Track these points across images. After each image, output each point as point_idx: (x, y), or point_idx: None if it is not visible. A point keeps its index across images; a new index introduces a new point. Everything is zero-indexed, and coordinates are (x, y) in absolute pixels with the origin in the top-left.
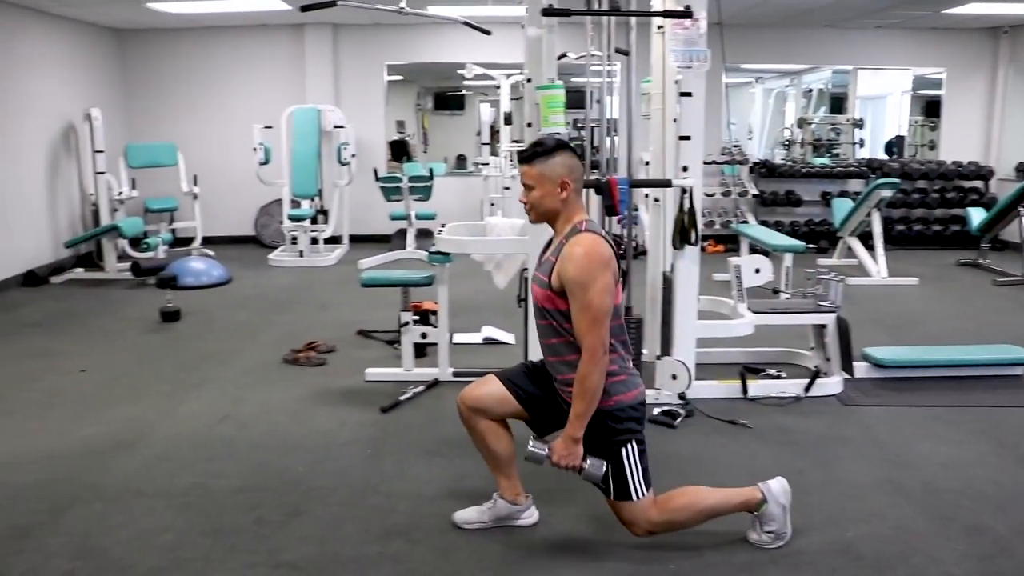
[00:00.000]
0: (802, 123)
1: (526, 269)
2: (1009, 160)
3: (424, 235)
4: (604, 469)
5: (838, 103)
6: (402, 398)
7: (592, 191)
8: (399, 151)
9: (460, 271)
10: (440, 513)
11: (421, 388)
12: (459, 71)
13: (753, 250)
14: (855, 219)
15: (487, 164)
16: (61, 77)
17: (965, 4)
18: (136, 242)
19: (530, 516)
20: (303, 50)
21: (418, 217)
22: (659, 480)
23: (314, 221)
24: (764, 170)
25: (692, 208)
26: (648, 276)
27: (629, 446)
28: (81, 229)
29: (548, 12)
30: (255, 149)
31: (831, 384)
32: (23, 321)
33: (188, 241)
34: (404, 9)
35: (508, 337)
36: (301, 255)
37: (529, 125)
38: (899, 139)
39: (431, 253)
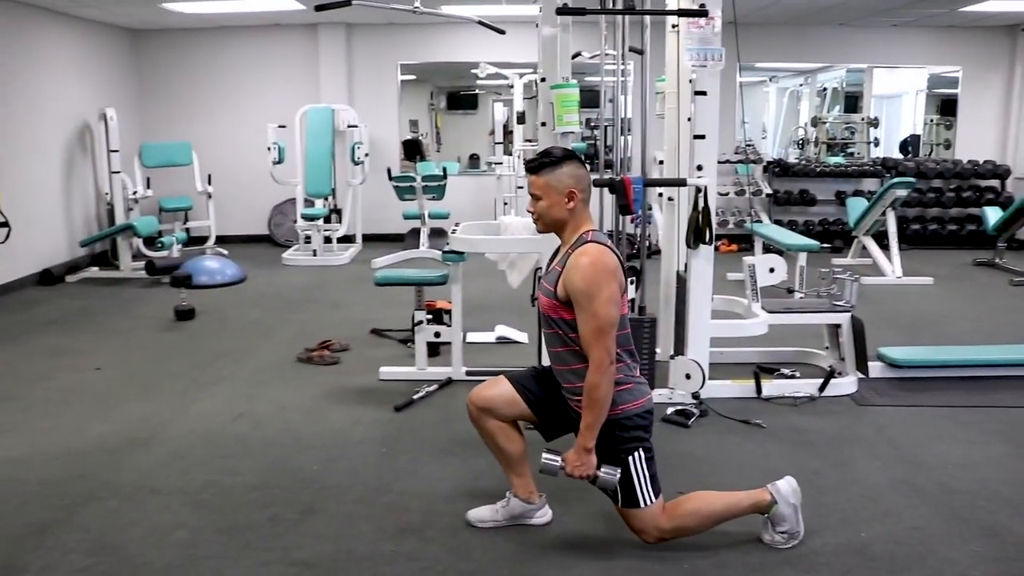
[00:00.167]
0: (816, 122)
1: (540, 268)
2: None
3: (437, 234)
4: (618, 477)
5: (852, 102)
6: (416, 397)
7: (606, 190)
8: (412, 150)
9: (474, 270)
10: (454, 512)
11: (434, 387)
12: (472, 70)
13: (767, 249)
14: (870, 218)
15: (500, 163)
16: (76, 77)
17: (982, 2)
18: (151, 241)
19: (544, 515)
20: (317, 50)
21: (431, 216)
22: (672, 479)
23: (327, 220)
24: (778, 169)
25: (707, 207)
26: (662, 275)
27: (636, 454)
28: (96, 228)
29: (563, 11)
30: (269, 148)
31: (845, 384)
32: (39, 319)
33: (202, 240)
34: (418, 8)
35: (521, 336)
36: (315, 254)
37: (543, 124)
38: (914, 138)
39: (445, 252)
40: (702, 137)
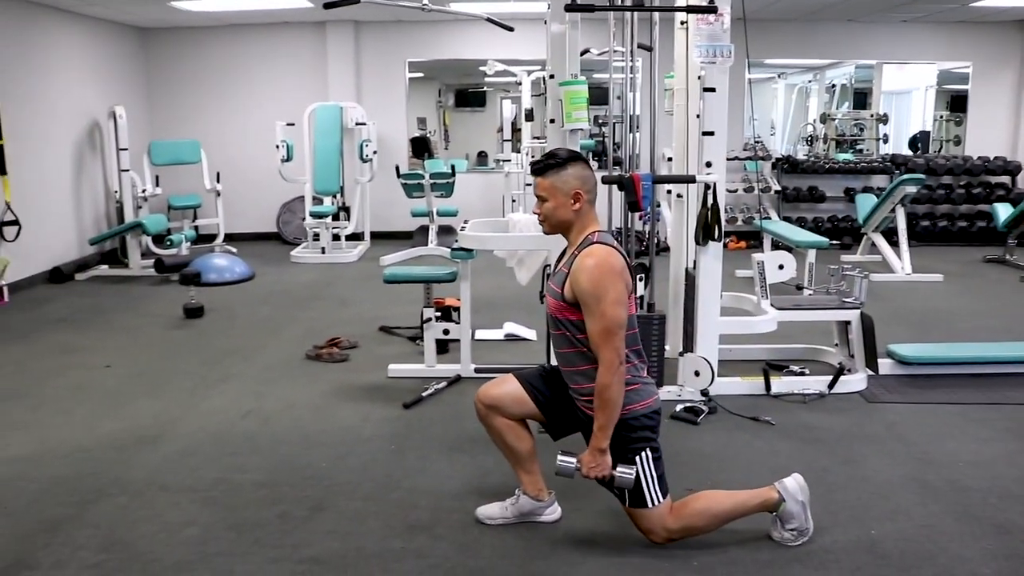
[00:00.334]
0: (825, 118)
1: (548, 265)
2: None
3: (445, 232)
4: (634, 476)
5: (861, 98)
6: (424, 394)
7: (615, 187)
8: (420, 148)
9: (482, 267)
10: (463, 509)
11: (443, 384)
12: (480, 68)
13: (776, 246)
14: (879, 215)
15: (508, 161)
16: (86, 75)
17: None
18: (160, 239)
19: (553, 512)
20: (325, 47)
21: (440, 214)
22: (681, 476)
23: (336, 218)
24: (787, 166)
25: (716, 204)
26: (671, 272)
27: (644, 454)
28: (106, 226)
29: (571, 8)
30: (278, 146)
31: (855, 381)
32: (49, 317)
33: (211, 238)
34: (427, 6)
35: (530, 333)
36: (323, 252)
37: (552, 121)
38: (924, 134)
39: (454, 249)
40: (711, 134)
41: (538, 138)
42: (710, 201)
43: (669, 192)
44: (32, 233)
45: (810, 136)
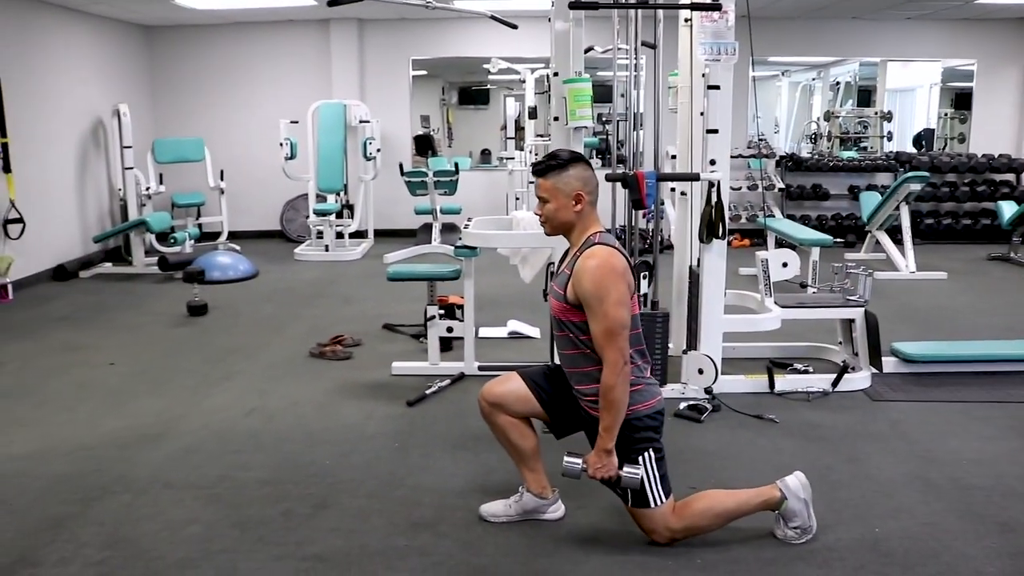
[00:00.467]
0: (829, 116)
1: (552, 263)
2: None
3: (449, 229)
4: (640, 476)
5: (866, 96)
6: (428, 392)
7: (619, 185)
8: (424, 146)
9: (486, 265)
10: (466, 506)
11: (447, 382)
12: (484, 65)
13: (780, 244)
14: (883, 213)
15: (512, 159)
16: (90, 73)
17: None
18: (163, 237)
19: (556, 510)
20: (329, 45)
21: (443, 211)
22: (685, 474)
23: (339, 215)
24: (791, 164)
25: (720, 202)
26: (675, 270)
27: (647, 454)
28: (109, 224)
29: (575, 5)
30: (281, 144)
31: (859, 379)
32: (52, 315)
33: (215, 236)
34: (431, 3)
35: (534, 331)
36: (326, 249)
37: (556, 119)
38: (928, 132)
39: (458, 247)
40: (715, 131)
41: (541, 136)
42: (714, 199)
43: (673, 190)
44: (36, 231)
45: (814, 134)
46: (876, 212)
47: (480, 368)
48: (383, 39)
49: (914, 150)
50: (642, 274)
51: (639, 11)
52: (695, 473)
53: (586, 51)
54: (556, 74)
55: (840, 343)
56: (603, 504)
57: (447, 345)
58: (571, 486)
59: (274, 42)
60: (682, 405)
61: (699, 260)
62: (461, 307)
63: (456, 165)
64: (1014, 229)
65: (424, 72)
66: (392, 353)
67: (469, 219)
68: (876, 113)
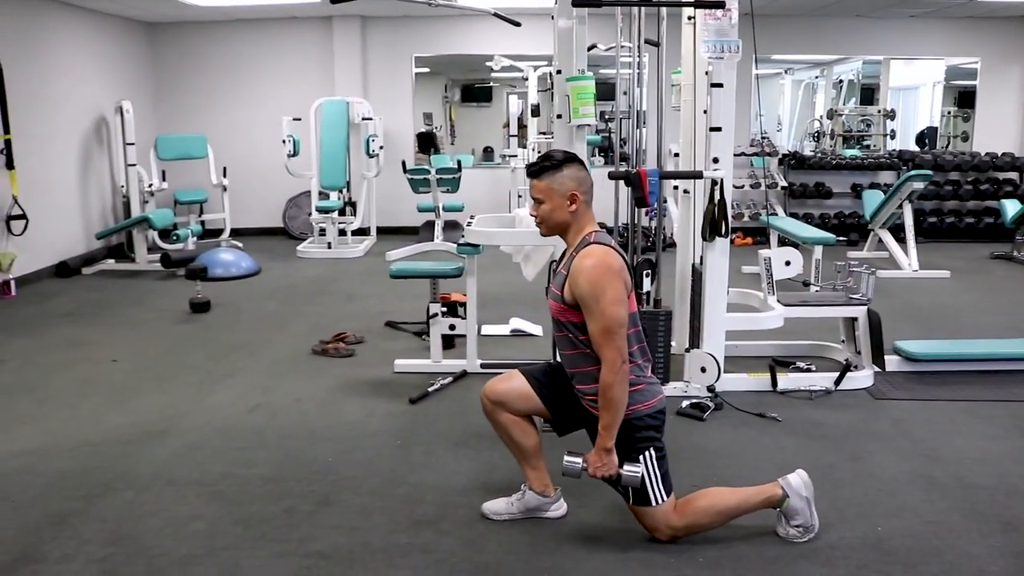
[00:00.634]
0: (832, 114)
1: (555, 261)
2: None
3: (451, 227)
4: (641, 474)
5: (868, 94)
6: (430, 389)
7: (622, 183)
8: (426, 143)
9: (489, 263)
10: (469, 504)
11: (449, 379)
12: (487, 63)
13: (783, 242)
14: (886, 211)
15: (515, 156)
16: (93, 70)
17: None
18: (166, 234)
19: (559, 508)
20: (332, 42)
21: (446, 209)
22: (687, 473)
23: (342, 213)
24: (794, 162)
25: (723, 200)
26: (677, 268)
27: (648, 453)
28: (112, 221)
29: (579, 3)
30: (284, 141)
31: (862, 377)
32: (55, 311)
33: (217, 233)
34: (434, 1)
35: (536, 329)
36: (329, 247)
37: (559, 117)
38: (931, 130)
39: (460, 245)
40: (718, 129)
41: (544, 134)
42: (717, 197)
43: (676, 188)
44: (39, 227)
45: (817, 132)
46: (879, 210)
47: (482, 366)
48: (386, 36)
49: (917, 148)
50: (645, 272)
51: (642, 9)
52: (698, 471)
53: (589, 48)
54: (559, 72)
55: (843, 341)
56: (605, 502)
57: (449, 343)
58: (573, 484)
59: (277, 39)
60: (685, 403)
61: (702, 258)
62: (463, 305)
63: (459, 163)
64: (1017, 228)
65: (427, 69)
66: (394, 351)
67: (472, 216)
68: (879, 111)
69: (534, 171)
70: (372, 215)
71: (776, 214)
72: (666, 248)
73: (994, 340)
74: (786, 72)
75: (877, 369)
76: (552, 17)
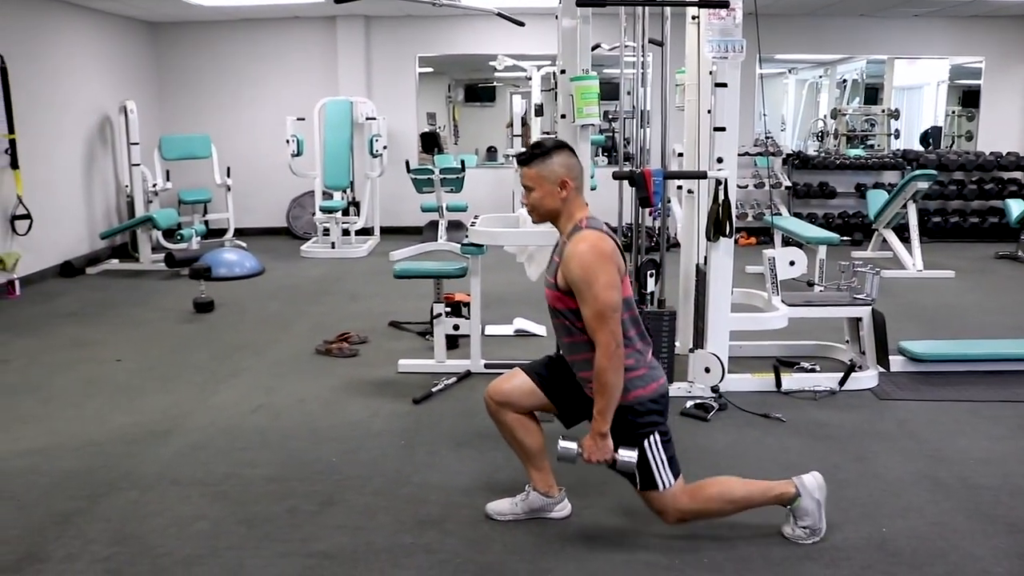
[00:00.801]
0: (836, 114)
1: None
2: None
3: (455, 227)
4: (636, 459)
5: (872, 93)
6: (434, 389)
7: (626, 183)
8: (430, 143)
9: (492, 263)
10: (473, 504)
11: (453, 380)
12: (490, 63)
13: (787, 242)
14: (890, 211)
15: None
16: (97, 70)
17: None
18: (170, 233)
19: (563, 509)
20: (335, 42)
21: (449, 209)
22: (692, 473)
23: (346, 213)
24: (797, 162)
25: (727, 200)
26: (681, 268)
27: (652, 437)
28: (116, 220)
29: (583, 3)
30: (288, 141)
31: (866, 378)
32: (60, 311)
33: (221, 232)
34: (438, 1)
35: (539, 329)
36: (333, 246)
37: (563, 116)
38: (935, 130)
39: (464, 245)
40: (722, 129)
41: (548, 133)
42: (721, 197)
43: (680, 188)
44: (43, 227)
45: (821, 132)
46: (883, 210)
47: (486, 366)
48: (389, 36)
49: (921, 148)
50: (649, 272)
51: (646, 8)
52: (702, 472)
53: (593, 48)
54: (563, 71)
55: (847, 342)
56: (609, 503)
57: (453, 343)
58: (578, 485)
59: (281, 39)
60: (689, 404)
61: (706, 258)
62: (467, 305)
63: (462, 162)
64: (1022, 227)
65: (430, 69)
66: (398, 351)
67: (476, 216)
68: (883, 111)
69: (524, 159)
70: (376, 215)
71: (780, 214)
72: (670, 248)
73: (999, 340)
74: (790, 72)
75: (881, 369)
76: (556, 17)
